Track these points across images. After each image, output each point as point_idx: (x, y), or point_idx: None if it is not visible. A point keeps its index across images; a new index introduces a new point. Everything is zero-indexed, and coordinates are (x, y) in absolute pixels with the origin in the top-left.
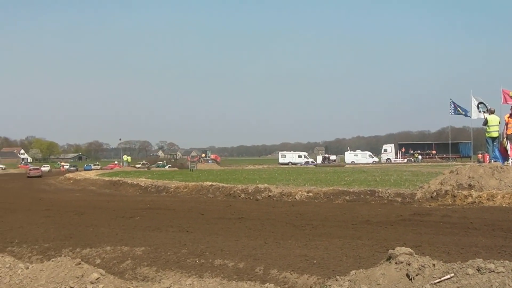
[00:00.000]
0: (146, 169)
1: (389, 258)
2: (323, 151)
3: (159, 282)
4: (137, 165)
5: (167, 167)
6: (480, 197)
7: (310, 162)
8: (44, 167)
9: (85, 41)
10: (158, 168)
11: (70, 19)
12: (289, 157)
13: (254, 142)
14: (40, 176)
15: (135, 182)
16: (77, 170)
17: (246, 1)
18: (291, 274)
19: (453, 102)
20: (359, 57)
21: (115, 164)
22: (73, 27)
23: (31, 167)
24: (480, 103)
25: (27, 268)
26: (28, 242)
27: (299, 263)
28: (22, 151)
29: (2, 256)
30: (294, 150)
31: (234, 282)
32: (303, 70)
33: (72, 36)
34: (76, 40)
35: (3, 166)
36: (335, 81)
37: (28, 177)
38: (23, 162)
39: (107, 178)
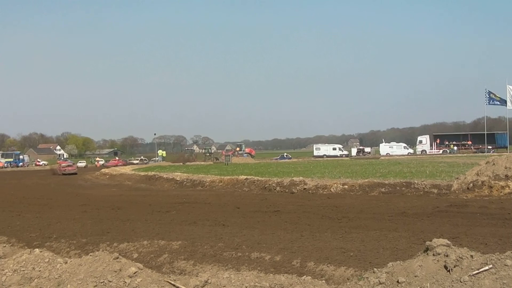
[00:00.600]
0: (181, 163)
1: (427, 250)
2: (358, 143)
3: (196, 276)
4: (135, 161)
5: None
6: None
7: (285, 156)
8: (80, 162)
9: (116, 37)
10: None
11: (99, 15)
12: (324, 149)
13: (288, 135)
14: (75, 173)
15: (170, 177)
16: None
17: None
18: (328, 266)
19: (488, 91)
20: (391, 48)
21: (117, 160)
22: (102, 23)
23: (63, 164)
24: None
25: (66, 262)
26: (66, 237)
27: (336, 256)
28: (58, 147)
29: (41, 251)
30: (329, 143)
31: (271, 275)
32: (334, 63)
33: (102, 32)
34: (108, 37)
35: (45, 162)
36: (368, 73)
37: (63, 174)
38: (62, 158)
39: (142, 173)
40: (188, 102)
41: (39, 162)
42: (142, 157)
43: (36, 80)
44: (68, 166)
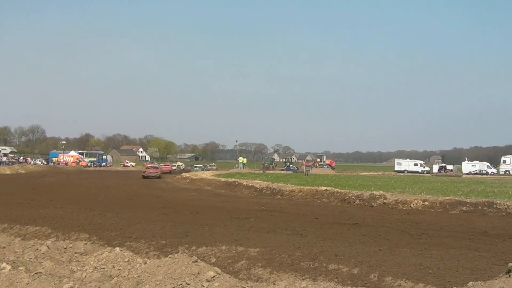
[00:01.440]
0: (261, 171)
1: (509, 271)
2: (440, 160)
3: (273, 284)
4: (173, 167)
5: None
6: None
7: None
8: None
9: (207, 39)
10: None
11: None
12: (405, 165)
13: (369, 149)
14: (158, 177)
15: (250, 184)
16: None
17: None
18: (406, 282)
19: None
20: (473, 64)
21: (167, 164)
22: (180, 27)
23: (148, 165)
24: None
25: (145, 263)
26: (145, 237)
27: (414, 272)
28: (141, 149)
29: (121, 250)
30: (410, 158)
31: (348, 287)
32: (417, 77)
33: (196, 32)
34: (198, 37)
35: (133, 163)
36: (451, 89)
37: (144, 177)
38: (148, 160)
39: (222, 179)
40: (271, 111)
41: (127, 163)
42: (178, 163)
43: (122, 84)
44: (153, 168)
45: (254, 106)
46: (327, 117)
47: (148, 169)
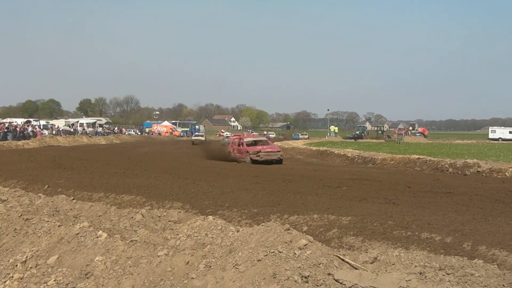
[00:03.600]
0: (353, 140)
1: None
2: None
3: (365, 252)
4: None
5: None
6: None
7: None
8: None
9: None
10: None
11: None
12: (500, 132)
13: (463, 117)
14: (279, 160)
15: (341, 153)
16: (285, 139)
17: None
18: (500, 251)
19: None
20: None
21: (223, 133)
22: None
23: (247, 138)
24: None
25: (238, 231)
26: (238, 206)
27: (509, 241)
28: (233, 119)
29: (214, 219)
30: (505, 126)
31: (441, 256)
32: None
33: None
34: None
35: (229, 134)
36: None
37: (254, 161)
38: (249, 131)
39: (314, 148)
40: (362, 78)
41: (223, 132)
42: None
43: (214, 52)
44: (262, 144)
45: (346, 73)
46: (419, 83)
47: (248, 147)
